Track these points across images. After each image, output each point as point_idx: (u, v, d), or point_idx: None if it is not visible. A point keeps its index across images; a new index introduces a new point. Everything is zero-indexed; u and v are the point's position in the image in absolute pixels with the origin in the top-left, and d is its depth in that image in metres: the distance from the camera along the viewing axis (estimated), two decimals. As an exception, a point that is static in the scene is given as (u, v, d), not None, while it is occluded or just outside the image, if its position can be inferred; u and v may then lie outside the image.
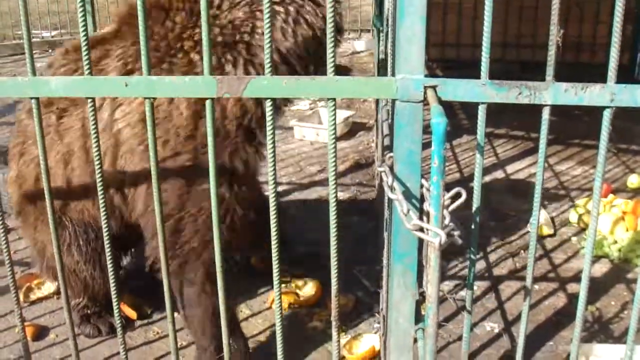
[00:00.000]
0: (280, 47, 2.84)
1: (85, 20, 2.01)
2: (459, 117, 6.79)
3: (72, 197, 3.09)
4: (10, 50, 9.82)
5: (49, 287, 3.79)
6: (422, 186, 1.96)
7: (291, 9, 2.85)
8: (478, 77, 1.90)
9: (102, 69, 2.86)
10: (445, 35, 8.47)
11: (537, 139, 2.02)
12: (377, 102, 4.75)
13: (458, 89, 1.91)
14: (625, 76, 7.44)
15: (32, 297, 3.75)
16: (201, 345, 3.06)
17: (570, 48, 8.03)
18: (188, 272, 2.89)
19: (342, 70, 8.73)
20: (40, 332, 3.46)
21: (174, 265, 2.84)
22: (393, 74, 1.95)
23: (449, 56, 8.47)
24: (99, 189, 2.18)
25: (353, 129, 6.55)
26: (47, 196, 2.23)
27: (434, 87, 1.89)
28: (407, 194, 1.97)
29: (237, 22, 2.82)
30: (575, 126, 6.24)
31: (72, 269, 3.27)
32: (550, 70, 1.91)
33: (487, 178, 5.30)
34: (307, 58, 2.92)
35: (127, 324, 3.48)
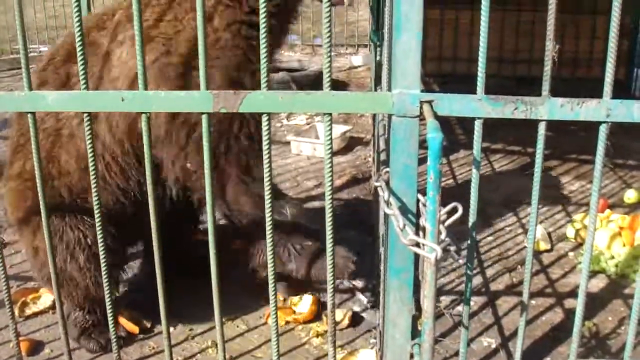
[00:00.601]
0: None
1: (81, 31, 2.02)
2: (456, 132, 6.79)
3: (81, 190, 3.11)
4: (7, 64, 9.81)
5: (44, 301, 3.77)
6: (418, 201, 1.97)
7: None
8: (474, 91, 1.91)
9: None
10: (442, 50, 8.48)
11: (534, 154, 2.02)
12: (374, 117, 4.76)
13: (454, 104, 1.91)
14: (622, 91, 7.46)
15: (28, 311, 3.73)
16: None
17: (567, 63, 8.04)
18: (226, 168, 2.96)
19: (339, 85, 8.75)
20: (36, 347, 3.43)
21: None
22: (389, 89, 1.96)
23: (445, 71, 8.48)
24: (92, 188, 2.18)
25: (350, 144, 6.54)
26: (41, 199, 2.23)
27: (430, 102, 1.89)
28: (404, 209, 1.97)
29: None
30: (571, 141, 6.24)
31: (74, 276, 3.24)
32: (546, 86, 1.91)
33: (484, 192, 5.29)
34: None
35: (127, 338, 3.48)
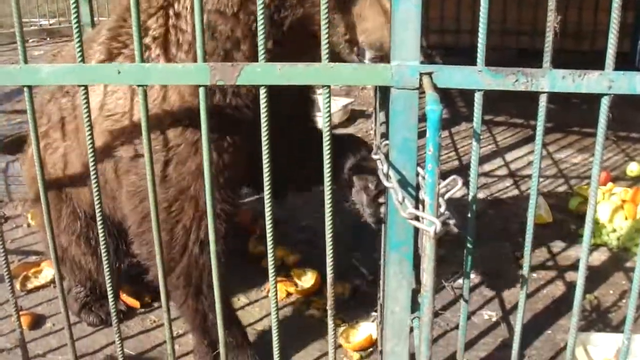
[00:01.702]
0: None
1: (77, 5, 1.99)
2: (458, 104, 6.75)
3: (85, 185, 3.06)
4: (8, 38, 9.74)
5: (45, 275, 3.78)
6: (418, 174, 1.95)
7: None
8: (476, 64, 1.88)
9: None
10: (444, 22, 8.41)
11: (536, 126, 2.00)
12: (375, 89, 4.72)
13: (454, 76, 1.89)
14: (626, 63, 7.42)
15: (29, 285, 3.73)
16: (196, 338, 3.05)
17: (570, 35, 7.98)
18: (170, 278, 2.80)
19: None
20: (37, 321, 3.44)
21: (153, 273, 2.84)
22: (388, 61, 1.93)
23: (448, 43, 8.41)
24: (91, 173, 2.16)
25: (352, 117, 6.51)
26: (40, 185, 2.21)
27: (429, 74, 1.87)
28: (403, 182, 1.96)
29: None
30: (574, 114, 6.21)
31: (77, 260, 3.26)
32: (547, 57, 1.89)
33: (486, 166, 5.28)
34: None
35: (129, 312, 3.48)
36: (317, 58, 1.94)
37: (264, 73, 1.91)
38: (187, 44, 2.50)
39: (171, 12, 2.54)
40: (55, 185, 3.11)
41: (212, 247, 2.18)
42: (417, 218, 1.76)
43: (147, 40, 2.55)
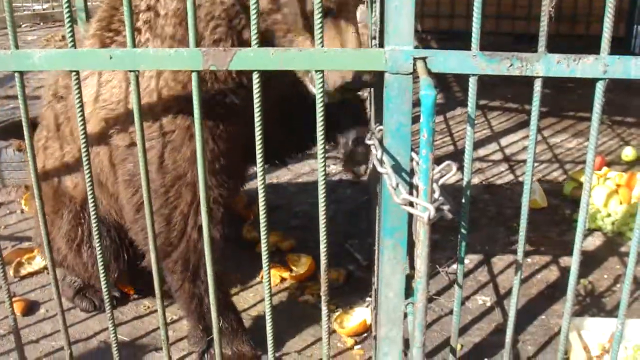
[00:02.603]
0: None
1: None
2: (453, 89, 6.74)
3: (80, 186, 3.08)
4: (1, 23, 9.71)
5: (39, 261, 3.76)
6: (412, 159, 1.94)
7: None
8: (471, 48, 1.87)
9: None
10: (440, 6, 8.39)
11: (531, 111, 2.00)
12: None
13: (448, 61, 1.87)
14: (622, 48, 7.40)
15: (23, 272, 3.72)
16: (191, 323, 3.05)
17: (566, 20, 7.96)
18: (168, 262, 2.84)
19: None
20: (31, 307, 3.44)
21: (149, 259, 2.83)
22: (382, 46, 1.92)
23: (443, 27, 8.40)
24: (84, 163, 2.15)
25: (346, 102, 6.49)
26: (34, 185, 2.20)
27: (423, 59, 1.85)
28: (397, 168, 1.95)
29: None
30: (569, 98, 6.21)
31: (78, 267, 3.26)
32: (542, 42, 1.87)
33: (481, 151, 5.27)
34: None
35: (122, 298, 3.48)
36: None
37: (257, 58, 1.89)
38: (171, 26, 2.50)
39: None
40: (57, 188, 3.13)
41: (206, 232, 2.17)
42: (411, 204, 1.75)
43: (138, 24, 2.54)
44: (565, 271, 3.63)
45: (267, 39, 2.31)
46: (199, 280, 2.86)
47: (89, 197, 2.21)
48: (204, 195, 2.11)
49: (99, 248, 2.30)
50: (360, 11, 9.95)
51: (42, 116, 3.16)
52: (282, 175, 4.93)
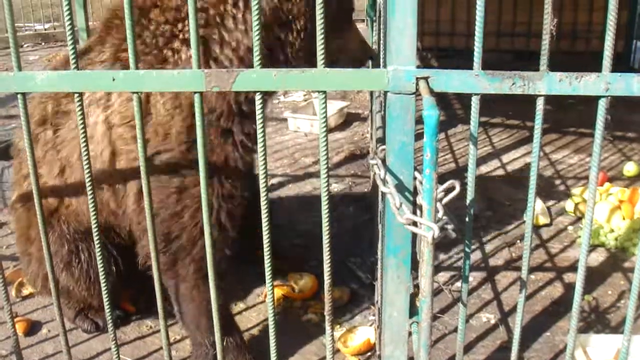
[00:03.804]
0: (232, 40, 2.64)
1: (70, 12, 1.98)
2: (454, 106, 6.76)
3: (73, 207, 3.07)
4: (2, 43, 9.75)
5: (42, 282, 3.76)
6: (415, 178, 1.94)
7: None
8: (473, 66, 1.87)
9: None
10: (440, 24, 8.42)
11: (533, 128, 2.00)
12: (371, 92, 4.72)
13: (451, 80, 1.88)
14: (621, 64, 7.43)
15: (25, 292, 3.72)
16: (196, 341, 3.04)
17: (566, 36, 8.00)
18: (179, 268, 2.86)
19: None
20: (33, 327, 3.43)
21: (164, 263, 2.82)
22: (385, 65, 1.92)
23: (443, 45, 8.43)
24: (87, 185, 2.15)
25: (348, 120, 6.52)
26: (36, 200, 2.20)
27: (426, 79, 1.86)
28: (400, 187, 1.95)
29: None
30: (570, 114, 6.22)
31: (69, 287, 3.22)
32: (544, 60, 1.88)
33: (483, 168, 5.28)
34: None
35: (124, 318, 3.46)
36: None
37: (260, 79, 1.90)
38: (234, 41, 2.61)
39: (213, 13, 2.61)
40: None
41: (207, 229, 2.17)
42: (414, 223, 1.75)
43: (176, 44, 2.65)
44: (569, 287, 3.63)
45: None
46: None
47: (92, 218, 2.21)
48: (205, 202, 2.11)
49: (101, 267, 2.30)
50: (361, 30, 9.99)
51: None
52: (284, 193, 4.94)
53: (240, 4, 2.59)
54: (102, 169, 2.82)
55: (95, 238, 2.27)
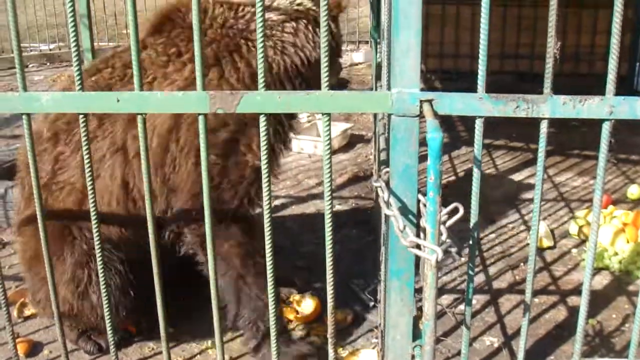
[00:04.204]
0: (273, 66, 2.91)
1: (76, 33, 1.99)
2: (458, 128, 6.76)
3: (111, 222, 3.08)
4: (8, 63, 9.77)
5: (44, 302, 3.74)
6: (419, 201, 1.94)
7: (285, 34, 2.98)
8: (476, 88, 1.88)
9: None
10: (444, 46, 8.44)
11: (536, 150, 2.00)
12: (375, 114, 4.73)
13: (455, 103, 1.88)
14: (624, 86, 7.42)
15: (27, 312, 3.70)
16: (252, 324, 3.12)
17: (569, 58, 8.01)
18: (230, 227, 2.97)
19: (340, 82, 8.70)
20: (34, 348, 3.40)
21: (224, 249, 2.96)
22: (389, 88, 1.93)
23: (447, 67, 8.44)
24: (89, 194, 2.15)
25: (351, 141, 6.52)
26: (40, 220, 2.20)
27: (430, 101, 1.86)
28: (404, 210, 1.95)
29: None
30: (573, 137, 6.21)
31: (86, 314, 3.19)
32: (547, 83, 1.89)
33: (486, 190, 5.27)
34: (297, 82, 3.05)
35: (127, 339, 3.45)
36: None
37: (264, 101, 1.91)
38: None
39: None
40: (62, 227, 3.08)
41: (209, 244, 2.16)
42: (418, 246, 1.75)
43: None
44: (573, 311, 3.60)
45: None
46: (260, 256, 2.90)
47: (95, 231, 2.21)
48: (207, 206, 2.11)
49: (103, 284, 2.30)
50: (365, 51, 10.04)
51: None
52: (287, 215, 4.93)
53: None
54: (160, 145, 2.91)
55: (97, 254, 2.26)
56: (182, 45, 2.92)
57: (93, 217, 2.18)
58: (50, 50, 10.60)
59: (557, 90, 1.90)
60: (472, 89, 1.90)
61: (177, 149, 2.92)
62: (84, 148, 2.09)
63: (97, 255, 2.27)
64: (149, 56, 2.91)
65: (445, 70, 8.42)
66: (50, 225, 3.05)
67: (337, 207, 4.86)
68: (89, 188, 2.14)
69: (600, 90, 1.91)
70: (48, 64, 10.16)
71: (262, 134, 1.95)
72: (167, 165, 2.95)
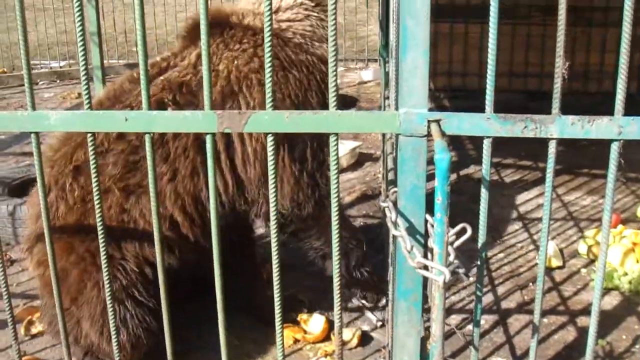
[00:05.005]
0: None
1: (85, 49, 2.00)
2: (466, 146, 6.75)
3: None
4: (19, 80, 9.83)
5: (51, 320, 3.74)
6: (426, 221, 1.93)
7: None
8: (484, 107, 1.87)
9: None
10: (452, 64, 8.44)
11: (545, 169, 1.99)
12: (383, 134, 4.72)
13: (462, 123, 1.88)
14: (633, 105, 7.38)
15: (34, 330, 3.70)
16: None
17: (578, 77, 7.99)
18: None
19: (348, 100, 8.72)
20: (41, 367, 3.41)
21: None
22: (396, 108, 1.93)
23: (455, 85, 8.44)
24: (98, 226, 2.15)
25: (360, 160, 6.51)
26: (47, 237, 2.20)
27: (437, 121, 1.86)
28: (411, 230, 1.94)
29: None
30: (582, 156, 6.19)
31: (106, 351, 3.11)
32: (556, 104, 1.88)
33: (495, 209, 5.24)
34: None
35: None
36: None
37: (271, 121, 1.91)
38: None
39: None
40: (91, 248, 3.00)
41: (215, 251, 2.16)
42: (425, 267, 1.74)
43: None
44: (582, 331, 3.58)
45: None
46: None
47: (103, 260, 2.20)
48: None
49: (109, 299, 2.29)
50: (373, 70, 10.05)
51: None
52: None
53: None
54: None
55: (104, 269, 2.26)
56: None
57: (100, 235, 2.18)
58: (61, 67, 10.67)
59: (565, 108, 1.89)
60: (481, 106, 1.89)
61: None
62: (92, 166, 2.09)
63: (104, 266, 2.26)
64: None
65: (453, 88, 8.41)
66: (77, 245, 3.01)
67: (345, 226, 4.84)
68: (97, 209, 2.15)
69: (609, 109, 1.91)
70: (58, 81, 10.23)
71: (270, 153, 1.95)
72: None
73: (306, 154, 3.20)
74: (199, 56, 3.08)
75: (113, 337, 2.35)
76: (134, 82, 3.11)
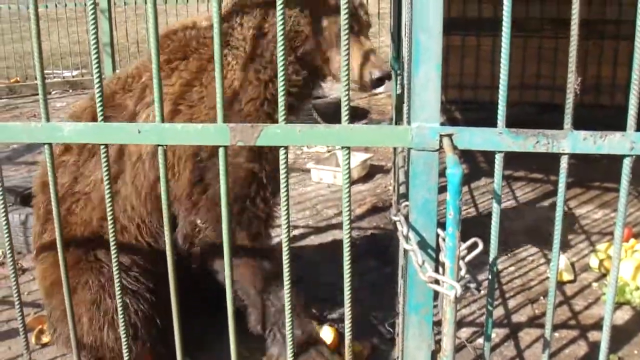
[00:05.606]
0: None
1: (98, 59, 2.01)
2: (478, 159, 6.74)
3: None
4: (32, 90, 9.91)
5: (62, 330, 3.74)
6: (438, 235, 1.93)
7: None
8: (496, 120, 1.88)
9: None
10: (463, 77, 8.44)
11: (557, 182, 1.99)
12: (395, 147, 4.72)
13: (474, 138, 1.88)
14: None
15: (44, 339, 3.71)
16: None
17: (589, 90, 7.97)
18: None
19: (360, 112, 8.73)
20: (52, 376, 3.41)
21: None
22: (409, 122, 1.93)
23: (467, 98, 8.44)
24: (110, 232, 2.16)
25: (371, 172, 6.52)
26: (58, 241, 2.21)
27: (449, 136, 1.86)
28: (423, 244, 1.94)
29: None
30: (593, 169, 6.17)
31: (109, 346, 3.16)
32: (568, 119, 1.88)
33: (506, 223, 5.23)
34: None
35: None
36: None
37: (284, 134, 1.91)
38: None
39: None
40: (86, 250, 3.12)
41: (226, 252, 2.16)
42: (437, 281, 1.74)
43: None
44: (594, 346, 3.56)
45: (310, 56, 3.00)
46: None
47: (113, 254, 2.21)
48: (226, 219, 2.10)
49: (121, 311, 2.29)
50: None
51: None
52: (305, 245, 4.93)
53: None
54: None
55: (115, 277, 2.26)
56: None
57: (112, 241, 2.19)
58: (73, 77, 10.74)
59: (577, 122, 1.89)
60: (492, 119, 1.89)
61: (174, 158, 3.00)
62: (105, 177, 2.11)
63: (116, 280, 2.27)
64: None
65: (464, 100, 8.41)
66: (71, 251, 3.07)
67: (356, 238, 4.85)
68: (109, 216, 2.16)
69: (621, 122, 1.90)
70: (70, 90, 10.29)
71: (282, 166, 1.96)
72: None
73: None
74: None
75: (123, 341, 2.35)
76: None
